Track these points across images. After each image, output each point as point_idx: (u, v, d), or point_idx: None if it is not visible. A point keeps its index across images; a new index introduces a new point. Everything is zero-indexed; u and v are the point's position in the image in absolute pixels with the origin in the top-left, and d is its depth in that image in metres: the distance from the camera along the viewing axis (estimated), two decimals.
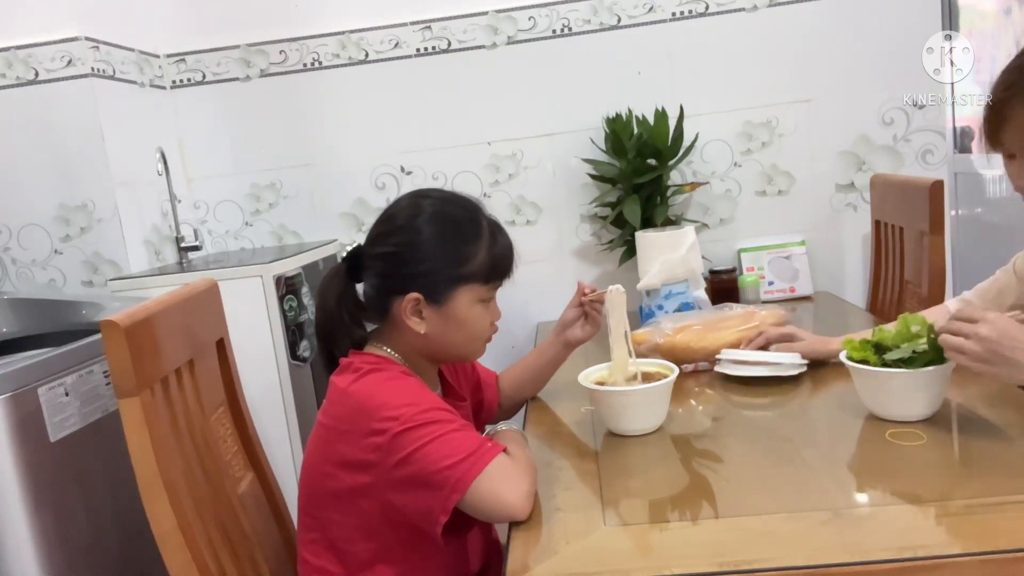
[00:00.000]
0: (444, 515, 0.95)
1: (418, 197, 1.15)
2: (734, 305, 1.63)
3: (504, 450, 1.00)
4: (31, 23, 1.91)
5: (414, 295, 1.08)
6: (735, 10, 2.16)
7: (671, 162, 2.11)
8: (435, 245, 1.10)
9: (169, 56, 2.25)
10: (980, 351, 0.97)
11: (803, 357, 1.37)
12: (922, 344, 1.07)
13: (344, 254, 1.15)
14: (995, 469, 0.96)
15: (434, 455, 0.96)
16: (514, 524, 0.95)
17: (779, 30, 2.15)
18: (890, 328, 1.12)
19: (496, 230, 1.15)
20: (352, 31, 2.21)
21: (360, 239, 2.28)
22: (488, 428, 1.21)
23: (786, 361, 1.35)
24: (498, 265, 1.13)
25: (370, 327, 1.17)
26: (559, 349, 1.38)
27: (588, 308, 1.33)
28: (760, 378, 1.35)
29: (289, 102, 2.26)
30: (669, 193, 2.14)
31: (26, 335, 1.66)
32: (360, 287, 1.16)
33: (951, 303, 1.39)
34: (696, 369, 1.47)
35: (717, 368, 1.41)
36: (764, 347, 1.41)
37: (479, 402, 1.35)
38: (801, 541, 0.84)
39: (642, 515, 0.97)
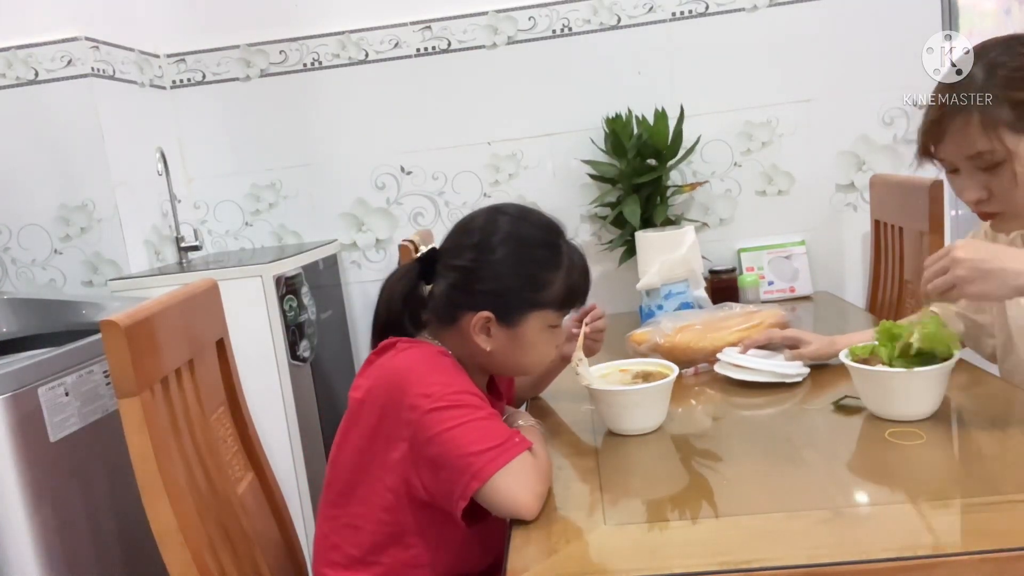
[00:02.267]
0: (463, 500, 0.96)
1: (496, 213, 1.13)
2: (734, 304, 1.63)
3: (530, 447, 1.00)
4: (31, 23, 1.91)
5: (486, 314, 1.07)
6: (735, 10, 2.16)
7: (671, 162, 2.11)
8: (510, 266, 1.08)
9: (169, 56, 2.25)
10: (965, 273, 0.96)
11: (810, 361, 1.36)
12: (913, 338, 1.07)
13: (419, 254, 1.13)
14: (995, 468, 0.96)
15: (460, 440, 0.96)
16: (515, 522, 0.95)
17: (779, 30, 2.15)
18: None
19: (575, 256, 1.13)
20: (352, 31, 2.21)
21: (360, 239, 2.32)
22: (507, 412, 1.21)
23: (790, 371, 1.34)
24: (574, 293, 1.13)
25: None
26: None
27: (588, 332, 1.31)
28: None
29: (289, 102, 2.26)
30: (669, 193, 2.14)
31: (26, 335, 1.66)
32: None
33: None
34: (696, 371, 1.47)
35: (717, 368, 1.41)
36: (766, 346, 1.41)
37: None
38: (801, 540, 0.84)
39: (642, 514, 0.97)
